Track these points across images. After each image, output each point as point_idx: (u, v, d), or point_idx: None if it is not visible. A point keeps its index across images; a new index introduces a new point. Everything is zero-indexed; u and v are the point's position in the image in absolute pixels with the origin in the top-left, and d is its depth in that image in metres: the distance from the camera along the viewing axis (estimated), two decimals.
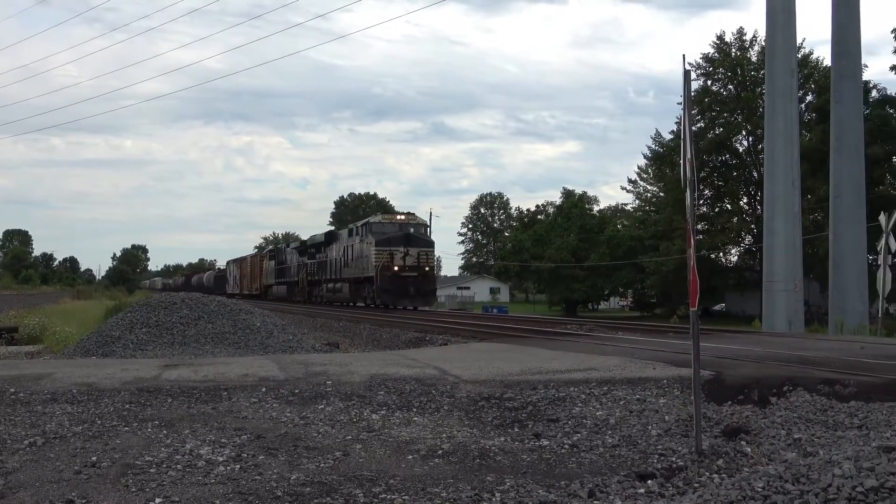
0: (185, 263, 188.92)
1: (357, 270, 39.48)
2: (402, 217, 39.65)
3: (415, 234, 37.79)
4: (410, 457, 6.55)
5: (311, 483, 5.72)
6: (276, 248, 65.59)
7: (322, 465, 6.26)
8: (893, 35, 33.18)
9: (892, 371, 9.81)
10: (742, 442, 6.93)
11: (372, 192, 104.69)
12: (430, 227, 49.24)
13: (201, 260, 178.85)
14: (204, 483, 5.75)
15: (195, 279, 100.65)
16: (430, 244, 38.68)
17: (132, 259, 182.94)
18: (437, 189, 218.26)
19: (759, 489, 4.29)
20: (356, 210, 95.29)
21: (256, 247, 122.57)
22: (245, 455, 6.50)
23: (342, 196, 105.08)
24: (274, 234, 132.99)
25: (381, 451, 6.72)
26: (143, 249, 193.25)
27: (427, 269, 36.91)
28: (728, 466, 6.11)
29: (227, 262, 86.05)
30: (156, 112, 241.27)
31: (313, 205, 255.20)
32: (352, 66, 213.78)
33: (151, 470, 6.06)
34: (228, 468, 6.13)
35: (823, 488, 4.07)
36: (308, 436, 7.25)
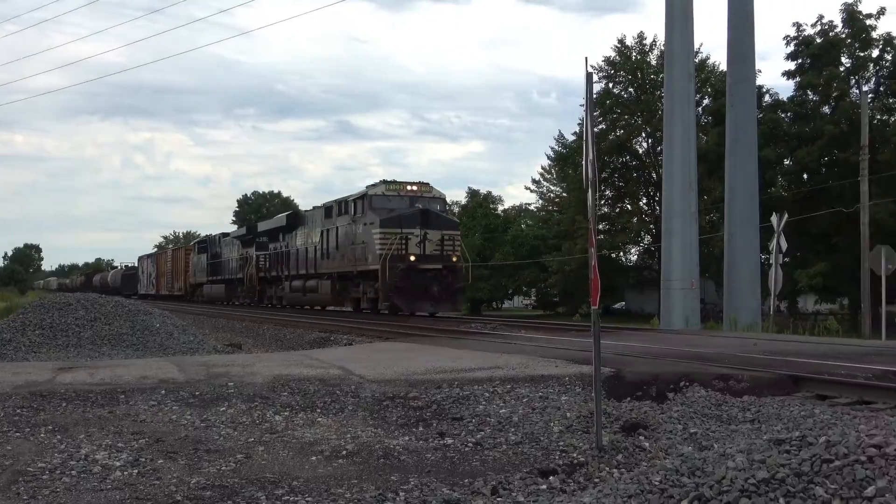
0: (81, 263, 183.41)
1: (347, 262, 29.05)
2: (414, 188, 28.36)
3: (434, 212, 27.47)
4: (314, 458, 6.50)
5: (212, 486, 5.62)
6: (209, 239, 51.63)
7: (223, 468, 6.16)
8: (785, 42, 34.39)
9: (782, 366, 10.18)
10: (641, 437, 7.09)
11: (276, 191, 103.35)
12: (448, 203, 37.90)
13: (98, 260, 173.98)
14: (100, 489, 5.59)
15: (97, 278, 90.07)
16: (455, 225, 29.18)
17: (24, 259, 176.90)
18: (343, 188, 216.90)
19: (657, 483, 4.40)
20: (260, 209, 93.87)
21: (157, 246, 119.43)
22: (143, 459, 6.35)
23: (246, 195, 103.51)
24: (174, 233, 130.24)
25: (284, 453, 6.65)
26: (37, 249, 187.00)
27: (454, 259, 26.84)
28: (627, 461, 6.24)
29: (140, 259, 75.34)
30: (50, 107, 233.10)
31: (216, 203, 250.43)
32: (255, 62, 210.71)
33: (44, 476, 5.86)
34: (126, 473, 5.97)
35: (717, 481, 4.19)
36: (209, 438, 7.13)
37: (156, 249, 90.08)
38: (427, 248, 26.18)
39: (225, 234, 48.69)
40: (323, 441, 7.03)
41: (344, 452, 6.64)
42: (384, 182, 28.52)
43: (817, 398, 8.80)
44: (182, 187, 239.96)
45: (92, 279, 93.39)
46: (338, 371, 10.49)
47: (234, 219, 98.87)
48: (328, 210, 31.44)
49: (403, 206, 27.22)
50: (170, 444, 6.85)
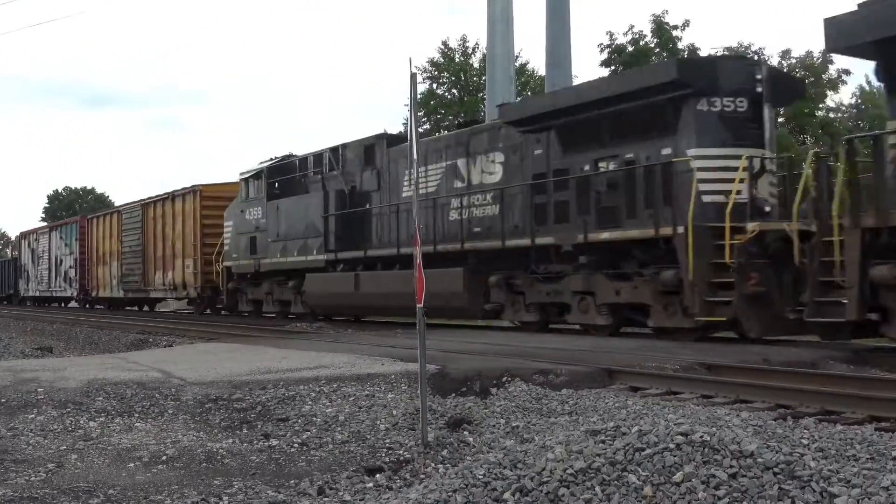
0: None
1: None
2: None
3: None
4: (132, 464, 6.26)
5: (20, 499, 5.31)
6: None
7: (33, 478, 5.84)
8: (599, 49, 35.80)
9: (598, 360, 10.63)
10: (465, 432, 7.23)
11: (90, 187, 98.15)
12: None
13: None
14: None
15: None
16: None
17: None
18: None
19: (481, 476, 4.50)
20: (71, 206, 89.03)
21: None
22: None
23: (56, 190, 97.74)
24: None
25: (99, 461, 6.37)
26: None
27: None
28: (452, 456, 6.35)
29: (21, 237, 47.86)
30: None
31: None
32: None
33: None
34: None
35: (538, 472, 4.33)
36: (17, 448, 6.73)
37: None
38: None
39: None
40: (141, 447, 6.78)
41: (164, 458, 6.43)
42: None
43: (630, 390, 9.23)
44: None
45: None
46: (157, 374, 10.14)
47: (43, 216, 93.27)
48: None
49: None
50: None
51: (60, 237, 40.62)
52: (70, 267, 38.99)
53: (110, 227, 35.44)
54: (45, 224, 45.60)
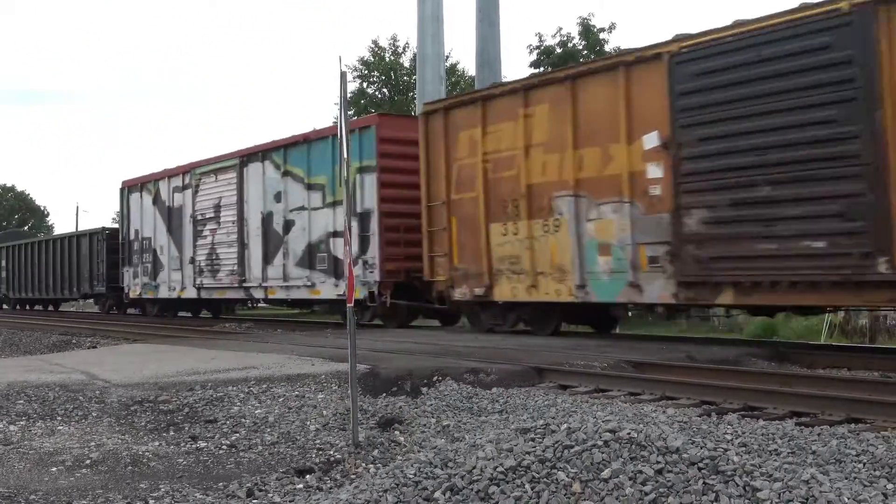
0: None
1: None
2: None
3: None
4: (54, 469, 6.11)
5: None
6: None
7: None
8: (528, 50, 36.16)
9: (528, 359, 10.72)
10: (396, 432, 7.22)
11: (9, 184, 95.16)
12: None
13: None
14: None
15: None
16: None
17: None
18: None
19: (411, 475, 4.50)
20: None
21: None
22: None
23: None
24: None
25: (20, 465, 6.20)
26: None
27: None
28: (383, 456, 6.34)
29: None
30: None
31: None
32: None
33: None
34: None
35: (469, 470, 4.35)
36: None
37: None
38: None
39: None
40: (64, 450, 6.63)
41: (88, 461, 6.29)
42: None
43: (560, 388, 9.34)
44: None
45: None
46: (81, 376, 9.92)
47: None
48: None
49: None
50: None
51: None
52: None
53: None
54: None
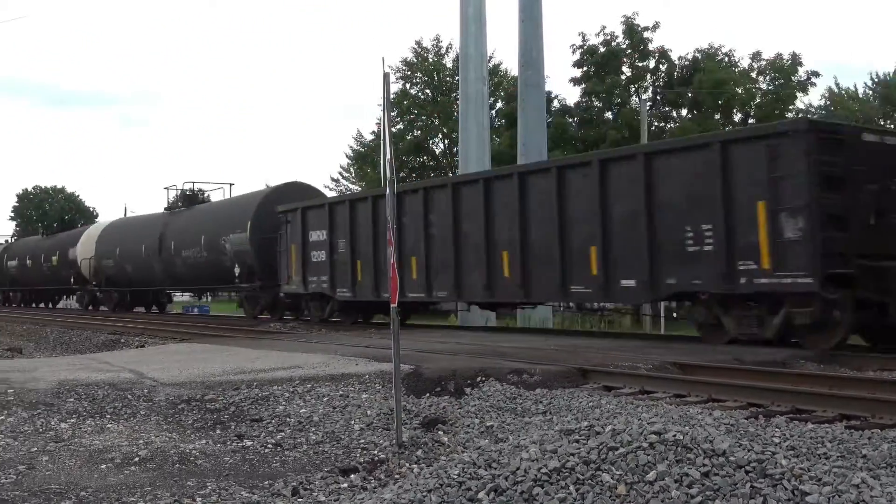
0: None
1: None
2: None
3: None
4: (104, 466, 6.21)
5: None
6: None
7: (3, 480, 5.77)
8: (571, 50, 35.99)
9: (571, 360, 10.67)
10: (440, 432, 7.23)
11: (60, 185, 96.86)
12: None
13: None
14: None
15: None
16: None
17: None
18: None
19: (455, 476, 4.51)
20: (41, 205, 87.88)
21: None
22: None
23: (26, 189, 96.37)
24: None
25: (70, 462, 6.31)
26: None
27: None
28: (427, 456, 6.35)
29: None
30: None
31: None
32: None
33: None
34: None
35: (513, 471, 4.34)
36: None
37: None
38: None
39: None
40: (114, 448, 6.73)
41: (136, 459, 6.38)
42: None
43: (604, 389, 9.27)
44: None
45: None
46: (129, 374, 10.07)
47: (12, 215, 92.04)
48: None
49: None
50: None
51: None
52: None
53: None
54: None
